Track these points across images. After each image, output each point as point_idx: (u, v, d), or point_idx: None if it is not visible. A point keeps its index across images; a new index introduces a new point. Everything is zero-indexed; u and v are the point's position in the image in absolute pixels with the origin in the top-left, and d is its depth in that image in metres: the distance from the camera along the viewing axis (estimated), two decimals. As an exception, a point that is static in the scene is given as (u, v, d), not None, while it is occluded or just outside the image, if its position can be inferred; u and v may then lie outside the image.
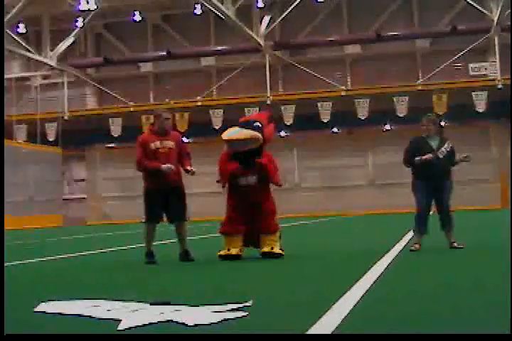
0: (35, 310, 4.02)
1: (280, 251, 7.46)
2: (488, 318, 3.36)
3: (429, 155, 7.85)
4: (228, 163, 7.63)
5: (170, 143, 7.54)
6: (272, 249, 7.42)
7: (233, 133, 7.59)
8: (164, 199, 7.48)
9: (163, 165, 7.33)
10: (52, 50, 34.62)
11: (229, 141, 7.57)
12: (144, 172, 7.60)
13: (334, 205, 33.28)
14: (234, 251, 7.45)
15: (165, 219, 7.65)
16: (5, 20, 28.73)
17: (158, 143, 7.49)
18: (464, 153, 8.29)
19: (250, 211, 7.58)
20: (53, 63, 34.81)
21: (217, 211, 38.41)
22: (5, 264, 7.32)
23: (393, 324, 3.29)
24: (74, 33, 35.59)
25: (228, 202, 7.78)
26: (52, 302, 4.27)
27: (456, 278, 5.25)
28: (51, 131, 35.07)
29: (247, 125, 7.60)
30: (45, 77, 38.63)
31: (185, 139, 27.64)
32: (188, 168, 7.61)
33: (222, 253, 7.51)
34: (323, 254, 7.27)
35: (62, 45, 35.10)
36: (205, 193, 35.15)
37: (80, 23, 34.93)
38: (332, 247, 9.20)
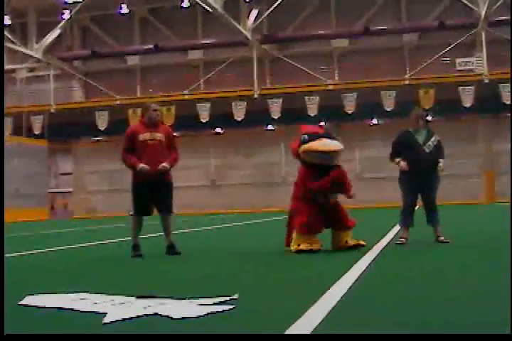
0: (20, 303, 4.00)
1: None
2: (474, 308, 3.38)
3: (404, 165, 7.93)
4: (313, 179, 7.25)
5: (159, 135, 7.51)
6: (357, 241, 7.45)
7: (330, 143, 7.25)
8: (152, 191, 7.46)
9: (140, 165, 7.31)
10: (38, 43, 34.40)
11: (328, 152, 7.22)
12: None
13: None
14: (315, 246, 7.16)
15: (155, 211, 7.62)
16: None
17: (147, 134, 7.46)
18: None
19: (327, 212, 7.39)
20: (39, 56, 34.61)
21: (202, 204, 38.40)
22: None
23: (378, 319, 3.29)
24: (60, 26, 35.38)
25: (303, 208, 7.32)
26: (37, 296, 4.24)
27: (442, 272, 5.27)
28: (37, 124, 34.88)
29: (329, 136, 7.37)
30: (31, 70, 38.40)
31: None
32: (163, 164, 7.40)
33: (303, 247, 7.09)
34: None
35: (49, 38, 34.90)
36: (191, 187, 35.15)
37: (66, 16, 34.72)
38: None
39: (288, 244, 7.53)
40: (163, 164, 7.37)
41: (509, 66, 30.10)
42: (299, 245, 7.16)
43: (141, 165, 7.31)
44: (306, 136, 7.33)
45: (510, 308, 3.24)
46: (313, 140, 7.24)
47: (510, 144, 31.57)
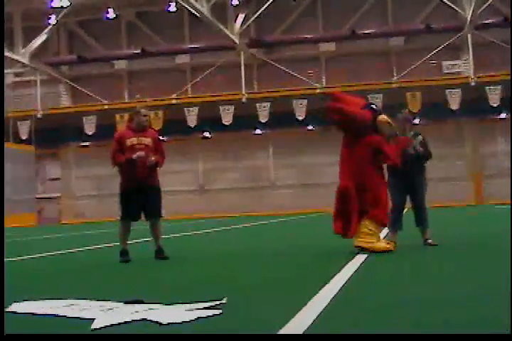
0: (7, 310, 3.96)
1: None
2: (464, 309, 3.38)
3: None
4: None
5: (146, 140, 7.51)
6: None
7: None
8: (140, 197, 7.43)
9: (133, 155, 7.28)
10: (24, 48, 34.27)
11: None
12: (120, 168, 7.53)
13: (310, 203, 33.35)
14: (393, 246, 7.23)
15: (143, 217, 7.59)
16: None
17: (134, 139, 7.45)
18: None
19: None
20: (26, 61, 34.46)
21: (191, 209, 38.15)
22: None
23: (369, 319, 3.29)
24: (47, 30, 35.27)
25: (386, 189, 7.45)
26: (25, 303, 4.20)
27: (431, 275, 5.28)
28: (24, 129, 34.73)
29: None
30: (17, 75, 38.22)
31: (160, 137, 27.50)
32: (152, 158, 7.37)
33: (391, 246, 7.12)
34: (298, 252, 7.30)
35: (35, 43, 34.78)
36: (179, 191, 35.07)
37: (52, 20, 34.61)
38: (307, 245, 9.21)
39: (344, 230, 7.12)
40: (152, 158, 7.37)
41: (494, 69, 30.30)
42: (380, 242, 7.13)
43: (134, 155, 7.28)
44: (375, 107, 7.48)
45: (510, 308, 3.24)
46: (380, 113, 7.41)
47: (510, 146, 31.75)
